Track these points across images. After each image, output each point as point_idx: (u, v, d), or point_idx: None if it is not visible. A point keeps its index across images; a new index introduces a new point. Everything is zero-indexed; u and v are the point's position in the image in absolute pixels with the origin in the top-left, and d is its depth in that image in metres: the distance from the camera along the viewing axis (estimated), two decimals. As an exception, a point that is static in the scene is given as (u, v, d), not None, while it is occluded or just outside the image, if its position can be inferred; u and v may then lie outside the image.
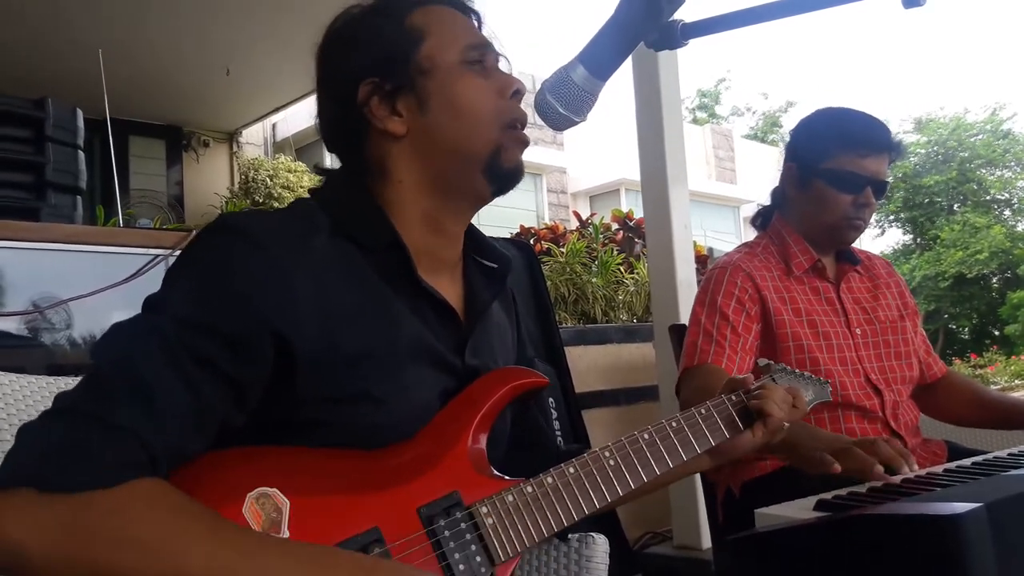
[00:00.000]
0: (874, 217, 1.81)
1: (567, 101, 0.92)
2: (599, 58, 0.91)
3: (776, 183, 1.89)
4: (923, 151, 22.27)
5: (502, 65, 1.02)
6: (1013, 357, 14.66)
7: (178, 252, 2.19)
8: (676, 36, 0.89)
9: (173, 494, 0.71)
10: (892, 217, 22.99)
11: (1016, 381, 12.17)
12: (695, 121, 26.08)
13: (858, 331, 1.73)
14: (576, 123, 0.94)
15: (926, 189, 22.00)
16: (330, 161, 1.08)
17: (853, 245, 1.82)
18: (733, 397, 1.10)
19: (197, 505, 0.71)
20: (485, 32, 1.03)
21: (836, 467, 1.21)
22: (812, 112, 1.80)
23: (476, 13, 1.03)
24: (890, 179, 1.73)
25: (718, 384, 1.17)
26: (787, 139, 1.86)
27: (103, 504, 0.67)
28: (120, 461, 0.69)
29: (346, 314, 0.86)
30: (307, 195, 0.99)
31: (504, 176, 0.97)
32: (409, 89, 0.95)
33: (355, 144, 0.99)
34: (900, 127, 22.66)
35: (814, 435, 1.37)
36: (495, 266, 1.07)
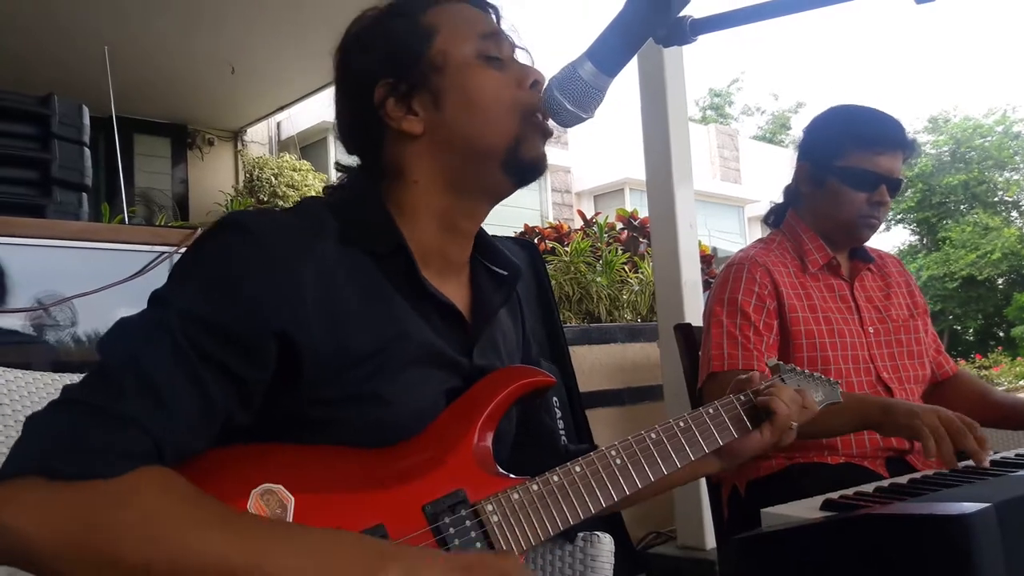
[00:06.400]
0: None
1: (575, 97, 0.91)
2: (607, 54, 0.90)
3: (786, 182, 1.88)
4: (936, 151, 22.16)
5: (522, 58, 1.01)
6: (1018, 358, 14.62)
7: (183, 250, 2.19)
8: (685, 32, 0.88)
9: (179, 482, 0.71)
10: (902, 217, 22.87)
11: (1021, 382, 12.13)
12: (704, 120, 26.00)
13: (871, 330, 1.72)
14: (584, 120, 0.93)
15: (943, 189, 21.88)
16: (335, 155, 1.08)
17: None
18: (742, 397, 1.09)
19: (203, 494, 0.72)
20: (504, 26, 1.01)
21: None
22: (825, 110, 1.79)
23: (494, 7, 1.02)
24: (904, 177, 1.72)
25: None
26: (796, 140, 1.85)
27: (110, 492, 0.67)
28: (127, 450, 0.69)
29: (352, 315, 0.86)
30: (318, 193, 0.99)
31: (525, 168, 0.96)
32: (424, 87, 0.94)
33: (372, 146, 0.99)
34: (913, 127, 22.56)
35: (888, 408, 1.45)
36: (504, 273, 1.06)
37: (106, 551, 0.65)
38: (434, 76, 0.94)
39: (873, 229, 1.73)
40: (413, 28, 0.95)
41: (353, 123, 1.01)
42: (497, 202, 1.01)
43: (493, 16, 1.01)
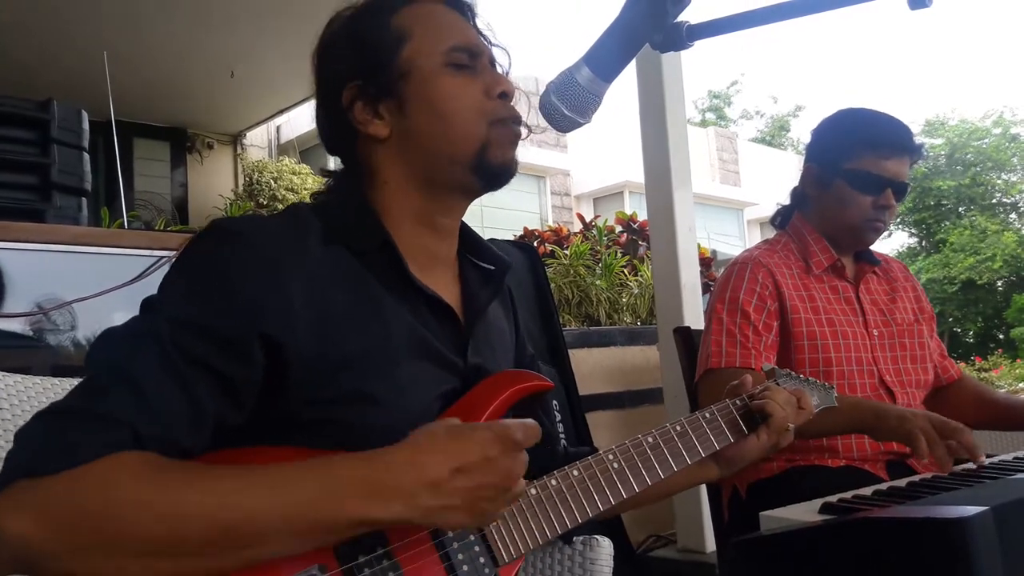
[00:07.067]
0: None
1: (572, 103, 0.92)
2: (604, 59, 0.90)
3: (788, 184, 1.89)
4: (932, 153, 22.13)
5: (500, 58, 1.01)
6: (1018, 360, 14.61)
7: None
8: (681, 38, 0.88)
9: (156, 457, 0.71)
10: (899, 219, 22.84)
11: (1021, 384, 12.13)
12: (703, 123, 25.98)
13: (875, 332, 1.73)
14: (581, 125, 0.94)
15: (937, 192, 21.85)
16: (333, 164, 1.09)
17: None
18: (737, 401, 1.10)
19: (183, 463, 0.73)
20: (480, 25, 1.02)
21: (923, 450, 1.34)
22: (834, 112, 1.79)
23: (469, 6, 1.02)
24: (909, 182, 1.73)
25: None
26: (796, 143, 1.86)
27: (89, 476, 0.67)
28: (104, 440, 0.70)
29: (339, 315, 0.86)
30: (307, 199, 1.00)
31: (493, 173, 0.96)
32: (390, 93, 0.95)
33: (346, 147, 1.00)
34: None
35: (880, 413, 1.47)
36: (491, 267, 1.07)
37: (99, 532, 0.66)
38: (401, 83, 0.94)
39: (878, 233, 1.74)
40: (383, 32, 0.95)
41: (327, 124, 1.01)
42: (471, 200, 1.01)
43: (468, 14, 1.01)
